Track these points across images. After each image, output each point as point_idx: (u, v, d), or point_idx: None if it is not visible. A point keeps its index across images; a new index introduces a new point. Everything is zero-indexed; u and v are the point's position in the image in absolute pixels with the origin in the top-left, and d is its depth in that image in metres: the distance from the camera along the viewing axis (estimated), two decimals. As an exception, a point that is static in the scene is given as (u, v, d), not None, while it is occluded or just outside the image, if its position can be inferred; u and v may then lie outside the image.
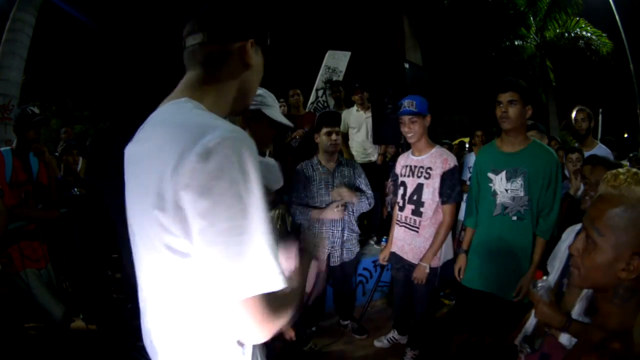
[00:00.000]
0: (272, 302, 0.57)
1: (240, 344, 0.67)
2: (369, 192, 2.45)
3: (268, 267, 0.56)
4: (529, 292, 1.22)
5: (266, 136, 1.47)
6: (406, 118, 2.06)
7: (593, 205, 0.80)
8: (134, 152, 0.68)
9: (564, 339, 1.11)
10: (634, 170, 0.76)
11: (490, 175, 1.97)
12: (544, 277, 1.18)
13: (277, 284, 0.57)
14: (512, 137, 1.90)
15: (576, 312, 1.25)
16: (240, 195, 0.54)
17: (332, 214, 2.26)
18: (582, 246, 0.80)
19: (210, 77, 0.69)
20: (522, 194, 1.86)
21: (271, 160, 1.58)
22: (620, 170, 0.77)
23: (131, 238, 0.70)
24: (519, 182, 1.86)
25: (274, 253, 0.57)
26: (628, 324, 0.74)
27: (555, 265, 1.53)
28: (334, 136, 2.29)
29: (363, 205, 2.41)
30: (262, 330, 0.58)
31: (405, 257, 2.20)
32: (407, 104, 2.05)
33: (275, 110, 1.43)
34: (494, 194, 1.95)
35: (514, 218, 1.90)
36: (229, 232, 0.53)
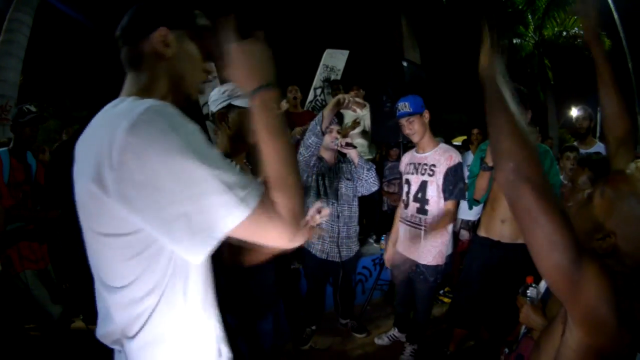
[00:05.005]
0: (262, 213, 0.60)
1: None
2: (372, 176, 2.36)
3: (232, 202, 0.57)
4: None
5: (248, 128, 1.38)
6: (403, 120, 2.10)
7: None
8: (77, 150, 0.67)
9: None
10: None
11: None
12: (534, 285, 1.21)
13: (246, 209, 0.58)
14: None
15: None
16: (175, 161, 0.54)
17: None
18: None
19: (139, 78, 0.71)
20: None
21: None
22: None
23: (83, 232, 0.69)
24: None
25: (237, 182, 0.58)
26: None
27: None
28: (335, 133, 2.29)
29: (370, 181, 2.32)
30: (276, 236, 0.63)
31: (411, 256, 2.20)
32: (401, 106, 2.09)
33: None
34: None
35: None
36: (174, 203, 0.55)
